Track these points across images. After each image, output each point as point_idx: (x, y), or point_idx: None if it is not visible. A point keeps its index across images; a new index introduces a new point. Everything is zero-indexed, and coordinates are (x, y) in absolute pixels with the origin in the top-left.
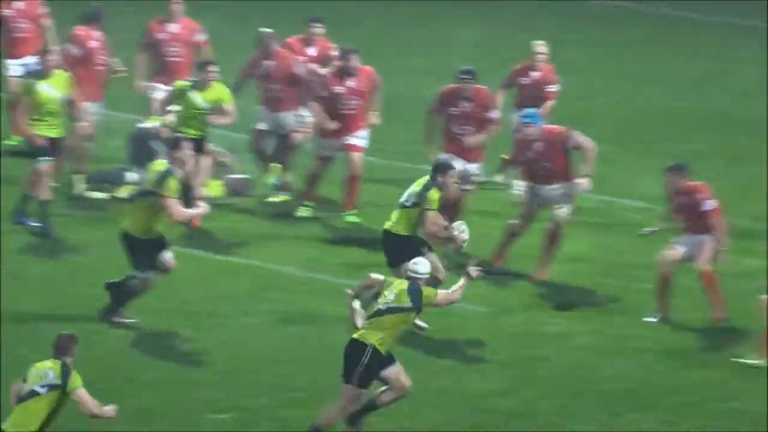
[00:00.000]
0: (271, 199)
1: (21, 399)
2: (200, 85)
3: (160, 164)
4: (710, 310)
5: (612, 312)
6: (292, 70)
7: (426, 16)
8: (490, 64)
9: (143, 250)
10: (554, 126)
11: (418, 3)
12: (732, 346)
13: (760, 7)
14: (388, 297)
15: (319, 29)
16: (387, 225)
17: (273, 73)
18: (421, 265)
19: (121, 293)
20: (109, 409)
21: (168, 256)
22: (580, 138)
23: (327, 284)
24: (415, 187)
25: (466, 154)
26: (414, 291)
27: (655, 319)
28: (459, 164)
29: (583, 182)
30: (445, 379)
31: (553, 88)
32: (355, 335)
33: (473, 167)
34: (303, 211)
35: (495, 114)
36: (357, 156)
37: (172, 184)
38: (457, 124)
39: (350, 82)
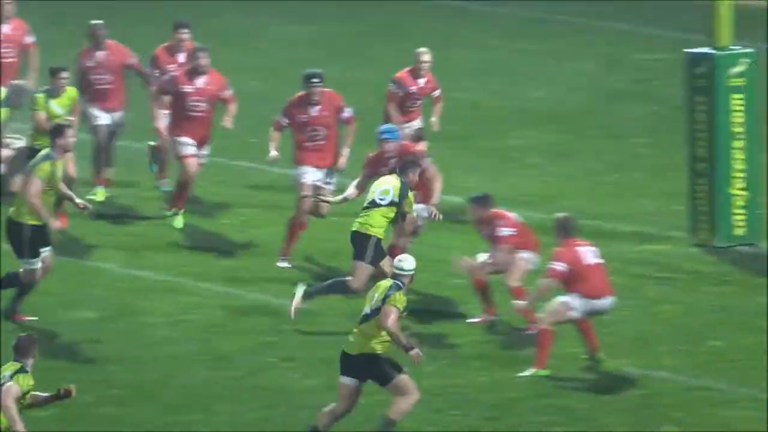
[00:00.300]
0: (90, 197)
1: None
2: (54, 93)
3: (46, 150)
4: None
5: (430, 310)
6: (125, 61)
7: (240, 11)
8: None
9: (24, 237)
10: (409, 143)
11: None
12: (562, 340)
13: (588, 6)
14: (371, 300)
15: (185, 35)
16: (356, 226)
17: (103, 65)
18: (406, 261)
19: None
20: (20, 424)
21: (48, 254)
22: (430, 167)
23: (150, 282)
24: (389, 186)
25: (321, 162)
26: (391, 289)
27: (478, 319)
28: (314, 174)
29: (422, 209)
30: (266, 375)
31: (437, 92)
32: (350, 344)
33: (324, 174)
34: (177, 221)
35: (348, 113)
36: (194, 163)
37: (45, 167)
38: (308, 132)
39: (199, 82)
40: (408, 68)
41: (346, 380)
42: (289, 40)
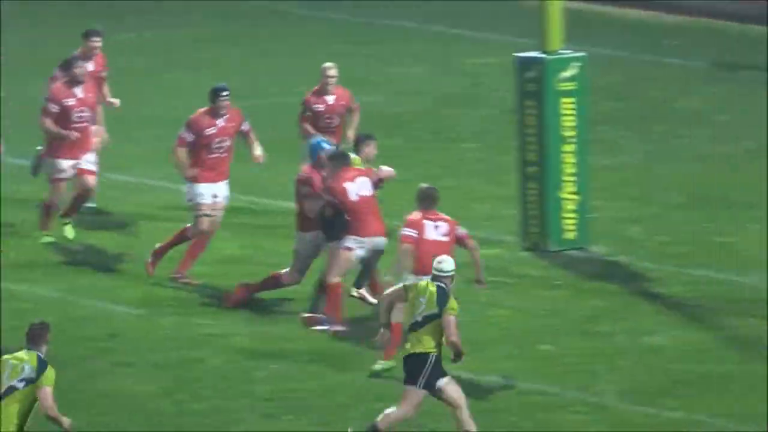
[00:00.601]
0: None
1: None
2: None
3: None
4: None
5: (265, 313)
6: None
7: None
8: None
9: None
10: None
11: None
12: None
13: (418, 10)
14: (422, 305)
15: (97, 43)
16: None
17: None
18: (445, 263)
19: None
20: (66, 420)
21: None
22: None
23: None
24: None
25: (218, 177)
26: (442, 294)
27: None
28: (211, 189)
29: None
30: (99, 381)
31: (354, 104)
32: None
33: (222, 188)
34: (46, 238)
35: (246, 126)
36: (91, 180)
37: None
38: (213, 145)
39: (79, 92)
40: (315, 87)
41: (412, 387)
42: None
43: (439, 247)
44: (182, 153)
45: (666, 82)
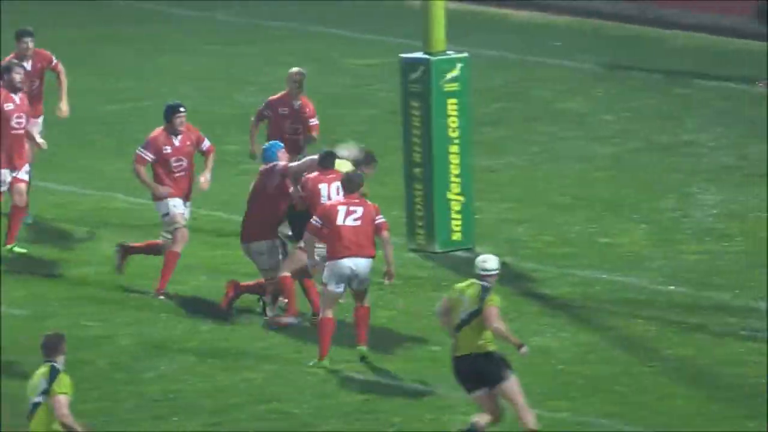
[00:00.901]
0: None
1: (29, 415)
2: None
3: None
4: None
5: (153, 314)
6: None
7: None
8: None
9: None
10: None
11: None
12: (284, 346)
13: (303, 11)
14: (464, 304)
15: (29, 42)
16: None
17: None
18: (489, 261)
19: None
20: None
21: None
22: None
23: None
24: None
25: (180, 193)
26: (485, 291)
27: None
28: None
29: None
30: None
31: (314, 121)
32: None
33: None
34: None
35: (207, 144)
36: (23, 188)
37: None
38: (171, 163)
39: (17, 98)
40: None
41: (475, 394)
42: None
43: (353, 231)
44: (141, 170)
45: (550, 83)
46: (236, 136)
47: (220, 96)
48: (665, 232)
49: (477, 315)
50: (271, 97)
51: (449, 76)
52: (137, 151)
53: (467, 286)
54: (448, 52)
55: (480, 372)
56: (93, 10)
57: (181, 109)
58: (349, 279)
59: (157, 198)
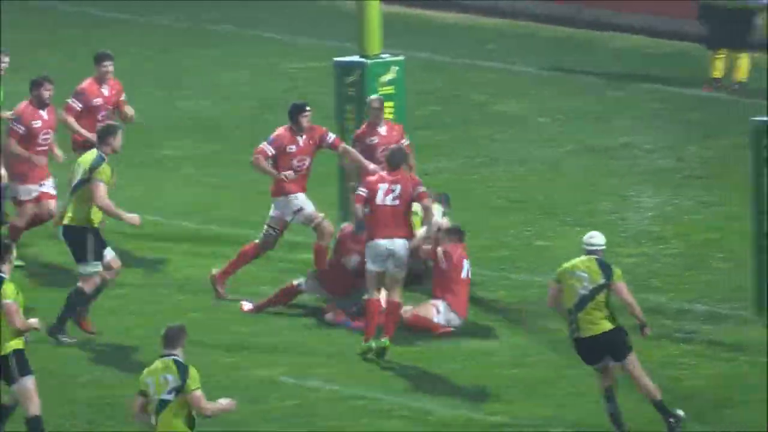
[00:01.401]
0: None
1: (157, 412)
2: None
3: (91, 153)
4: None
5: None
6: None
7: None
8: None
9: (84, 240)
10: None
11: None
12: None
13: (237, 15)
14: (582, 281)
15: (109, 67)
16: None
17: None
18: (597, 237)
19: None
20: (227, 405)
21: (111, 254)
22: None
23: None
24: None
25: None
26: (604, 265)
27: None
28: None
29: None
30: None
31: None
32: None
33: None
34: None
35: (331, 137)
36: (53, 203)
37: (104, 169)
38: (294, 163)
39: (45, 114)
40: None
41: (598, 365)
42: None
43: (392, 212)
44: (262, 161)
45: (486, 85)
46: (173, 141)
47: (155, 101)
48: None
49: (601, 290)
50: (357, 131)
51: (385, 79)
52: (261, 145)
53: (580, 263)
54: (383, 55)
55: (612, 347)
56: (32, 14)
57: (307, 108)
58: (386, 258)
59: (278, 192)
